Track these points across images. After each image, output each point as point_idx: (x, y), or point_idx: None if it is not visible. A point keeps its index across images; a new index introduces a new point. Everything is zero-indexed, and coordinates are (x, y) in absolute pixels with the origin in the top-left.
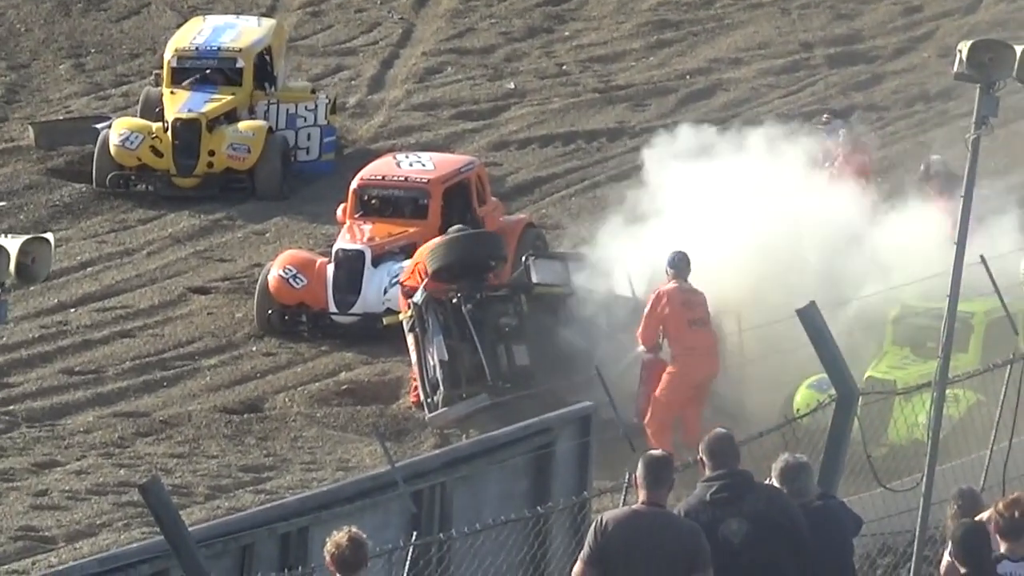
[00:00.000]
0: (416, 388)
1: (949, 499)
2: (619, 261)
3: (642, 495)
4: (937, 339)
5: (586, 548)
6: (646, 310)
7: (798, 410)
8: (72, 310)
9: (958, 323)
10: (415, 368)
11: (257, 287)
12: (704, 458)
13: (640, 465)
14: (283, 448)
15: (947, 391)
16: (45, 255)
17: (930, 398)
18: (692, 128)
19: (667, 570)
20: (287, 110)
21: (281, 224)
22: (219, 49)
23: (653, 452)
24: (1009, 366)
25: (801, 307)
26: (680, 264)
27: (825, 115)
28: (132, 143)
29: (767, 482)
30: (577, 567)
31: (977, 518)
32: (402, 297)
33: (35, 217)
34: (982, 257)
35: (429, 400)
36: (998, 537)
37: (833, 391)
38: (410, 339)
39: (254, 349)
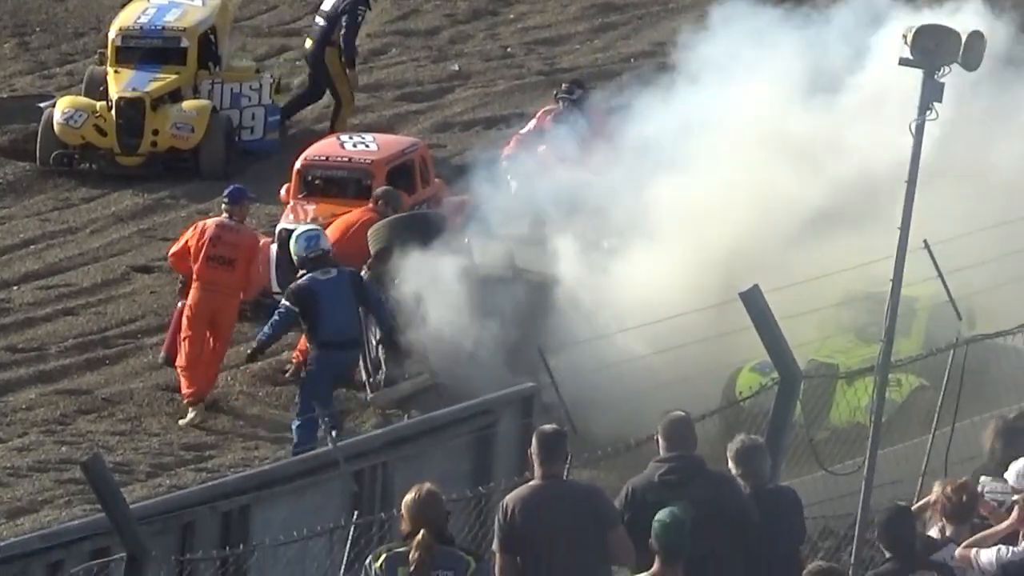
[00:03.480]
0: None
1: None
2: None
3: (538, 470)
4: (880, 323)
5: (496, 536)
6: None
7: (740, 393)
8: (15, 288)
9: (901, 308)
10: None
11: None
12: (659, 439)
13: (534, 441)
14: (225, 427)
15: (890, 375)
16: None
17: (873, 382)
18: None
19: (576, 536)
20: (231, 89)
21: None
22: (163, 28)
23: (545, 428)
24: (952, 351)
25: (744, 290)
26: (232, 197)
27: (565, 84)
28: (76, 121)
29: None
30: (498, 561)
31: (923, 501)
32: None
33: None
34: (925, 242)
35: (371, 380)
36: (944, 520)
37: (776, 374)
38: None
39: None
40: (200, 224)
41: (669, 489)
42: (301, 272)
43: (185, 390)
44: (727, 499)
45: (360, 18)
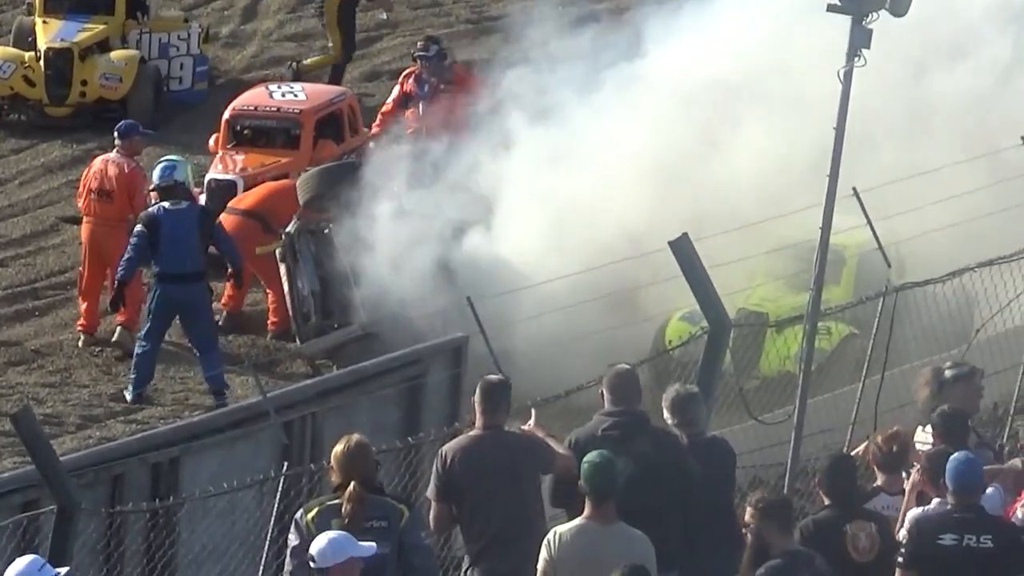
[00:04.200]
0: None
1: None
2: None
3: (480, 420)
4: (810, 271)
5: (433, 484)
6: None
7: (670, 342)
8: None
9: (831, 255)
10: (287, 297)
11: None
12: (604, 391)
13: (477, 390)
14: (154, 378)
15: (819, 324)
16: None
17: (802, 330)
18: None
19: (515, 487)
20: (160, 39)
21: (153, 154)
22: None
23: (490, 377)
24: (881, 299)
25: (673, 238)
26: (120, 131)
27: (420, 42)
28: (4, 72)
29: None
30: (433, 509)
31: (856, 451)
32: None
33: None
34: (854, 189)
35: (301, 330)
36: (876, 469)
37: (705, 323)
38: (282, 269)
39: None
40: (92, 162)
41: (611, 444)
42: (155, 201)
43: (80, 320)
44: (669, 456)
45: None
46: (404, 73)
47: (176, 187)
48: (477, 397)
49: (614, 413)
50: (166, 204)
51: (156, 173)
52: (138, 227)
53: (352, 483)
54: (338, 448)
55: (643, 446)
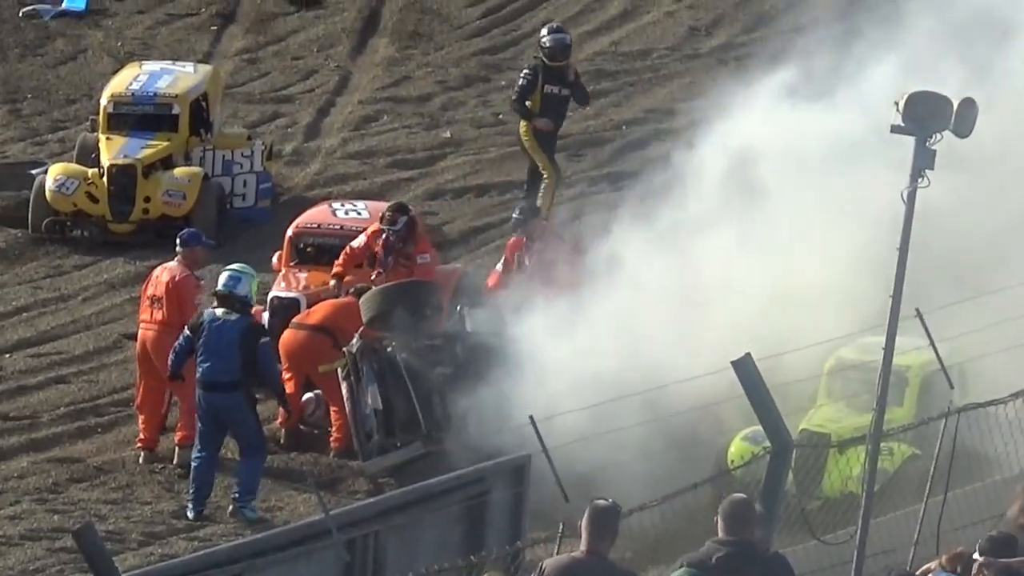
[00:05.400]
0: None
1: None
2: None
3: (584, 543)
4: (872, 392)
5: None
6: None
7: (732, 462)
8: (7, 355)
9: (893, 376)
10: (348, 415)
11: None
12: (719, 518)
13: (586, 513)
14: (216, 495)
15: (882, 444)
16: None
17: (865, 451)
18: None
19: None
20: (223, 156)
21: (216, 271)
22: (155, 95)
23: (600, 502)
24: (944, 420)
25: (736, 358)
26: (182, 240)
27: (388, 211)
28: (68, 189)
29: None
30: None
31: (923, 568)
32: None
33: None
34: (917, 310)
35: (363, 448)
36: None
37: (767, 443)
38: (344, 387)
39: None
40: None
41: (723, 574)
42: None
43: (139, 436)
44: None
45: (525, 79)
46: (372, 230)
47: (231, 298)
48: (585, 520)
49: (728, 543)
50: (217, 312)
51: (220, 279)
52: (185, 330)
53: None
54: None
55: None
